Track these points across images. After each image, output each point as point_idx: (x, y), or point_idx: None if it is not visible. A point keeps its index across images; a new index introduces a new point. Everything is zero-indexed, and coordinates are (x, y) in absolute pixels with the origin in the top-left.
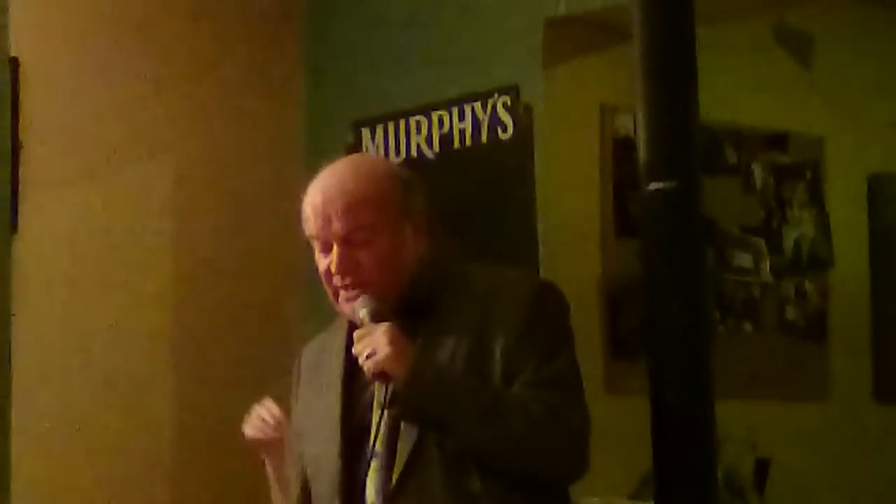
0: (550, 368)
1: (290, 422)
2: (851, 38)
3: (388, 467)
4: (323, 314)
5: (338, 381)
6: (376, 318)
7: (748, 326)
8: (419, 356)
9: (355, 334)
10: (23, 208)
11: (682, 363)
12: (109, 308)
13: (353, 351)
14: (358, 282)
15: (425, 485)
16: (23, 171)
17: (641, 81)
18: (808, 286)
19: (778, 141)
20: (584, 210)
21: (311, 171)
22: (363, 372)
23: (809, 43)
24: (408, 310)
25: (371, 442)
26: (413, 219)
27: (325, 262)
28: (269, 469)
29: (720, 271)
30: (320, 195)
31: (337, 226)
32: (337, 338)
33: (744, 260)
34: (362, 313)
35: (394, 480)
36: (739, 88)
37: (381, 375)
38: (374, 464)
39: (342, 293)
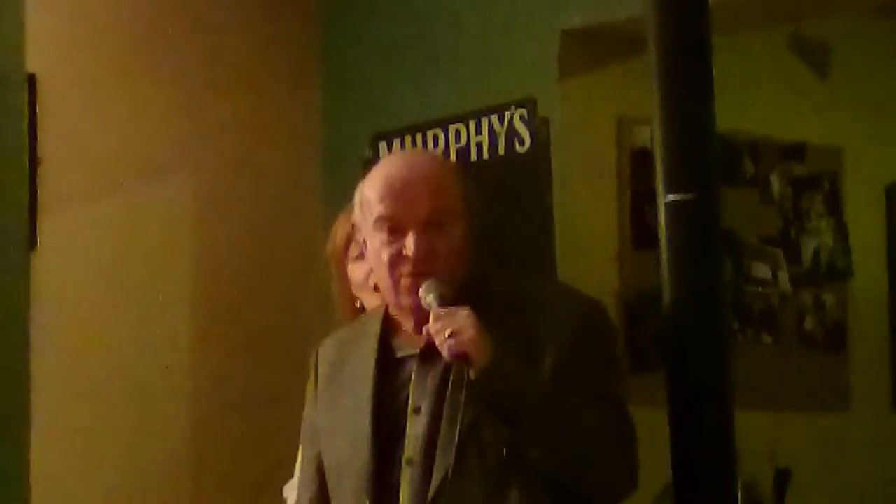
0: (604, 385)
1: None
2: (869, 47)
3: (425, 475)
4: (338, 325)
5: (369, 379)
6: (444, 303)
7: (767, 337)
8: (496, 346)
9: (434, 313)
10: (41, 224)
11: (701, 374)
12: (128, 322)
13: (429, 330)
14: (429, 269)
15: (464, 496)
16: (41, 187)
17: (658, 93)
18: (827, 297)
19: (796, 151)
20: (602, 222)
21: (330, 184)
22: (394, 372)
23: (826, 53)
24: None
25: (405, 447)
26: (470, 215)
27: (395, 245)
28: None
29: (739, 282)
30: (401, 175)
31: (420, 208)
32: (364, 336)
33: (762, 270)
34: (430, 297)
35: (432, 490)
36: (756, 99)
37: (462, 357)
38: (408, 470)
39: (406, 280)
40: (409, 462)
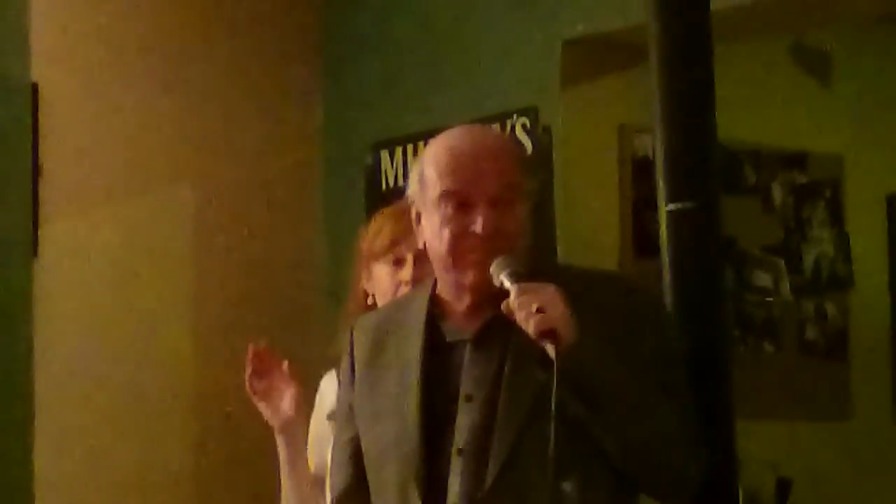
0: (674, 380)
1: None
2: (870, 56)
3: (478, 466)
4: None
5: (416, 363)
6: (520, 280)
7: (768, 346)
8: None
9: (518, 288)
10: (43, 232)
11: (702, 384)
12: (129, 331)
13: (513, 304)
14: (498, 247)
15: (521, 486)
16: (42, 196)
17: (659, 102)
18: (829, 306)
19: (797, 160)
20: (603, 230)
21: (331, 192)
22: (442, 357)
23: (828, 62)
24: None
25: (454, 436)
26: (532, 199)
27: (461, 221)
28: (282, 454)
29: (740, 291)
30: (469, 149)
31: (490, 183)
32: (409, 316)
33: (764, 280)
34: (503, 275)
35: (490, 479)
36: (758, 108)
37: (549, 334)
38: (458, 460)
39: (472, 257)
40: (460, 452)
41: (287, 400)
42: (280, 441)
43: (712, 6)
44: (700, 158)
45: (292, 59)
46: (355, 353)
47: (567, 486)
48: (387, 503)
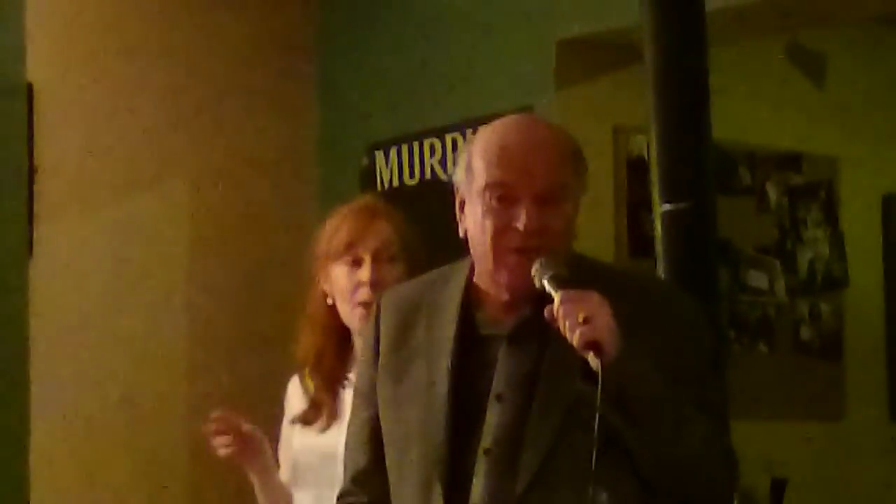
0: (709, 391)
1: (257, 430)
2: (865, 57)
3: (506, 469)
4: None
5: (448, 353)
6: (563, 285)
7: (763, 346)
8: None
9: (562, 295)
10: (38, 232)
11: None
12: (125, 331)
13: (557, 312)
14: (540, 245)
15: (552, 497)
16: (38, 195)
17: (654, 102)
18: (823, 306)
19: (792, 161)
20: (598, 231)
21: (327, 193)
22: (475, 350)
23: (822, 62)
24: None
25: (482, 435)
26: (579, 198)
27: (505, 215)
28: (254, 478)
29: (735, 291)
30: (520, 140)
31: (537, 178)
32: (443, 300)
33: (758, 280)
34: (546, 277)
35: (521, 487)
36: (753, 108)
37: (593, 346)
38: (484, 460)
39: (513, 256)
40: (487, 452)
41: (251, 441)
42: (249, 471)
43: (707, 7)
44: (695, 159)
45: (288, 60)
46: (382, 328)
47: (600, 500)
48: (407, 490)
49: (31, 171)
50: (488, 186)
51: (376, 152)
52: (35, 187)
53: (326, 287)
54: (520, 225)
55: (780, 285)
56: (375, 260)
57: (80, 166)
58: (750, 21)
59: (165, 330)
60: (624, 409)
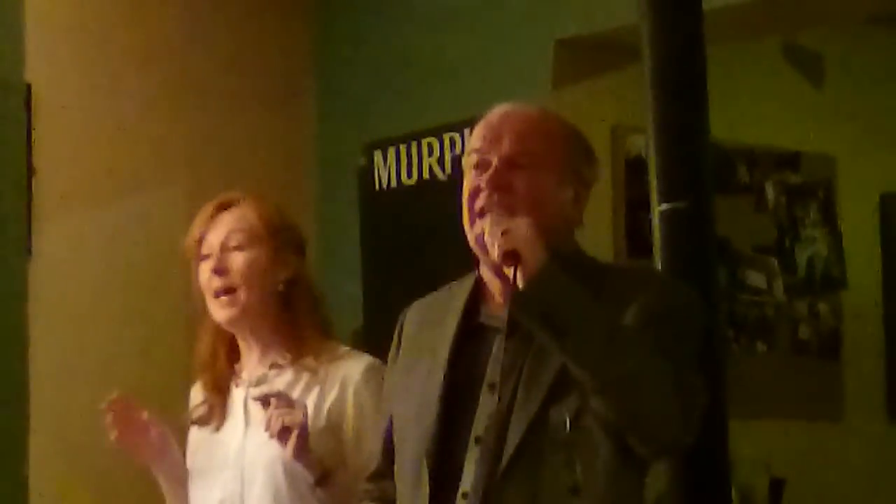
0: (673, 352)
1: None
2: (862, 57)
3: (494, 456)
4: (340, 334)
5: (448, 343)
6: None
7: (761, 346)
8: (551, 256)
9: (490, 218)
10: (37, 232)
11: None
12: (123, 332)
13: (486, 237)
14: (502, 205)
15: (530, 476)
16: (36, 195)
17: (652, 102)
18: (822, 305)
19: (790, 160)
20: (596, 230)
21: (324, 193)
22: (476, 342)
23: (820, 62)
24: None
25: (474, 423)
26: (577, 185)
27: (476, 179)
28: (162, 483)
29: (733, 291)
30: (500, 114)
31: (506, 144)
32: (453, 300)
33: (757, 279)
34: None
35: (500, 471)
36: (751, 108)
37: (512, 256)
38: (476, 449)
39: (477, 219)
40: (478, 440)
41: (153, 435)
42: (156, 473)
43: (705, 6)
44: (693, 158)
45: (285, 59)
46: (403, 333)
47: (575, 478)
48: (403, 479)
49: (30, 171)
50: (469, 154)
51: (374, 152)
52: (33, 188)
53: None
54: (483, 183)
55: (779, 285)
56: (223, 249)
57: (78, 167)
58: (748, 21)
59: (164, 330)
60: (550, 325)
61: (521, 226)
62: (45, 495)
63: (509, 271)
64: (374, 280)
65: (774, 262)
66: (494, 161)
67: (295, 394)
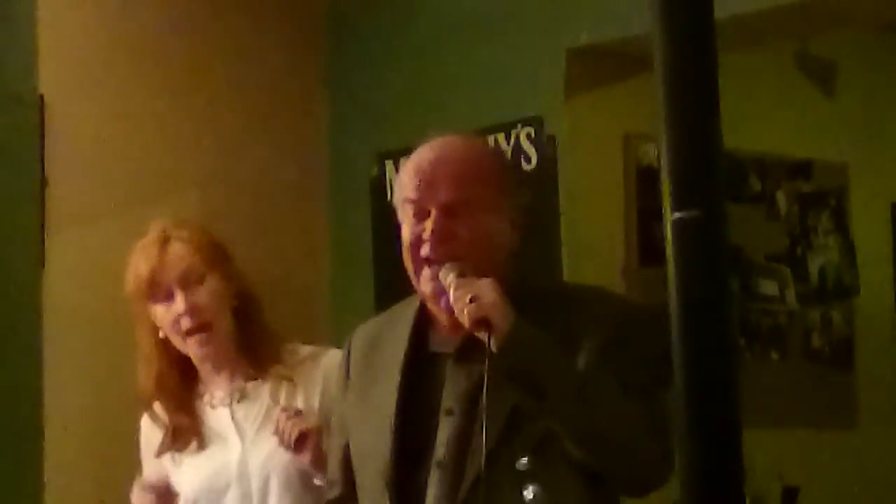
0: (639, 379)
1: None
2: (874, 65)
3: (455, 479)
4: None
5: (398, 372)
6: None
7: (774, 354)
8: (518, 315)
9: (454, 282)
10: (50, 243)
11: (709, 392)
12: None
13: (451, 299)
14: (448, 253)
15: (492, 498)
16: (49, 207)
17: (663, 110)
18: (834, 314)
19: (802, 169)
20: (608, 240)
21: (337, 202)
22: (427, 368)
23: (832, 70)
24: None
25: (435, 449)
26: (513, 212)
27: (416, 229)
28: None
29: (745, 299)
30: (429, 158)
31: (442, 192)
32: (399, 325)
33: (769, 288)
34: (450, 277)
35: (463, 493)
36: (763, 116)
37: (482, 323)
38: (437, 473)
39: (426, 269)
40: (439, 465)
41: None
42: None
43: (716, 15)
44: (705, 167)
45: (297, 69)
46: (351, 359)
47: (532, 493)
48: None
49: (43, 182)
50: (404, 203)
51: (386, 161)
52: (47, 199)
53: (156, 321)
54: (425, 234)
55: (791, 293)
56: (183, 288)
57: (91, 178)
58: (759, 29)
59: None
60: (524, 383)
61: (487, 292)
62: (59, 499)
63: (482, 336)
64: (387, 289)
65: (787, 270)
66: (433, 211)
67: (281, 401)
